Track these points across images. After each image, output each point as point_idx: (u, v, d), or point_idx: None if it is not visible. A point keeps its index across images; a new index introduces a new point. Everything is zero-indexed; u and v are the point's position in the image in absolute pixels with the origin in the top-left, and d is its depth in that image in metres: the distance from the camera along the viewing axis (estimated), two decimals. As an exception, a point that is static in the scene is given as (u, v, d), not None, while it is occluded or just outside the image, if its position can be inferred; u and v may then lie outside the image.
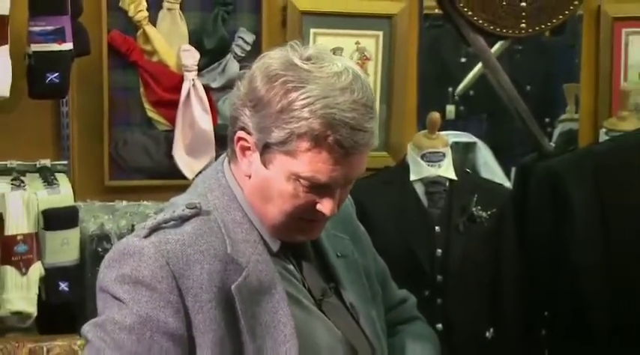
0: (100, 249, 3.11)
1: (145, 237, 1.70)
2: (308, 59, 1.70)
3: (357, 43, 3.41)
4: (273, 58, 1.72)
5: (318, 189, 1.71)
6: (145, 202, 3.22)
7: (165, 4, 3.29)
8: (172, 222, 1.73)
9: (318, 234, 1.83)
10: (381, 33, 3.49)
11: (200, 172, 1.93)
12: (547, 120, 4.01)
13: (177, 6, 3.30)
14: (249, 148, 1.75)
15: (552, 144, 3.84)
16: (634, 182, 1.92)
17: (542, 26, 3.61)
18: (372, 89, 1.75)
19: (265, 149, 1.71)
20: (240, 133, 1.75)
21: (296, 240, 1.83)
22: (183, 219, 1.74)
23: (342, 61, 1.73)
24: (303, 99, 1.65)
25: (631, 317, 1.94)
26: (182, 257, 1.68)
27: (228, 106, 3.11)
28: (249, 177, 1.77)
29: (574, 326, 2.39)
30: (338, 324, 1.83)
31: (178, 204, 1.78)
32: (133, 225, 3.11)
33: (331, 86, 1.66)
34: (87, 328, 1.69)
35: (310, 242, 1.88)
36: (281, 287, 1.75)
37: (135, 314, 1.65)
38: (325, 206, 1.73)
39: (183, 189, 1.90)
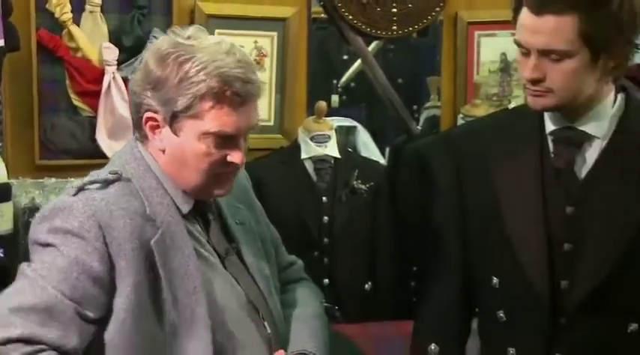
0: (31, 220, 2.90)
1: (74, 195, 1.68)
2: (189, 37, 1.72)
3: (256, 42, 3.43)
4: (159, 43, 1.74)
5: (226, 141, 1.72)
6: (71, 179, 3.11)
7: (88, 7, 3.22)
8: (97, 185, 1.71)
9: (232, 186, 1.82)
10: (275, 34, 3.47)
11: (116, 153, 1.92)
12: (415, 107, 4.03)
13: (98, 8, 3.23)
14: (158, 126, 1.74)
15: (419, 127, 3.85)
16: (482, 158, 1.95)
17: (410, 29, 3.61)
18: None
19: (174, 119, 1.70)
20: (148, 114, 1.73)
21: (215, 195, 1.82)
22: (107, 182, 1.72)
23: (217, 36, 1.80)
24: (197, 66, 1.67)
25: (483, 269, 1.97)
26: (107, 211, 1.66)
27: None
28: (164, 151, 1.75)
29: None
30: (239, 280, 1.83)
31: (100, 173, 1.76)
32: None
33: (216, 51, 1.69)
34: (21, 267, 1.67)
35: (214, 208, 1.87)
36: (190, 245, 1.74)
37: (64, 256, 1.63)
38: (235, 156, 1.74)
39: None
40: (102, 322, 1.65)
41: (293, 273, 2.11)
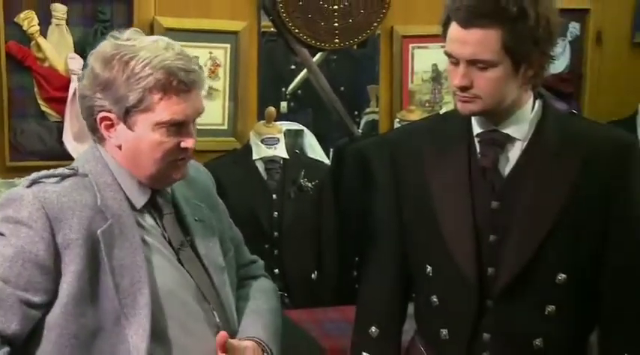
0: (2, 215, 2.97)
1: (27, 187, 1.66)
2: (129, 39, 1.71)
3: (210, 53, 3.40)
4: (102, 47, 1.71)
5: (177, 129, 1.70)
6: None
7: (54, 20, 3.20)
8: (53, 179, 1.68)
9: (187, 170, 1.80)
10: (228, 45, 3.45)
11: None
12: (356, 112, 4.07)
13: (64, 22, 3.21)
14: (112, 124, 1.71)
15: (360, 130, 3.88)
16: (416, 157, 1.96)
17: (351, 41, 3.62)
18: None
19: (127, 115, 1.68)
20: (101, 114, 1.70)
21: (173, 180, 1.79)
22: (63, 177, 1.70)
23: (153, 36, 1.78)
24: (142, 62, 1.65)
25: (418, 258, 1.98)
26: (57, 204, 1.63)
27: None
28: (120, 147, 1.72)
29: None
30: (191, 272, 1.79)
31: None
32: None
33: (156, 48, 1.68)
34: None
35: (172, 204, 1.84)
36: (138, 237, 1.71)
37: (12, 245, 1.61)
38: (188, 141, 1.72)
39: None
40: (49, 306, 1.63)
41: (252, 270, 2.08)
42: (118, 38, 1.72)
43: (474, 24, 1.74)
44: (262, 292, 2.02)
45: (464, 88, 1.80)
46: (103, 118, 1.71)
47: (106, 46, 1.71)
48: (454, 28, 1.78)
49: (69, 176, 1.71)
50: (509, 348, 1.89)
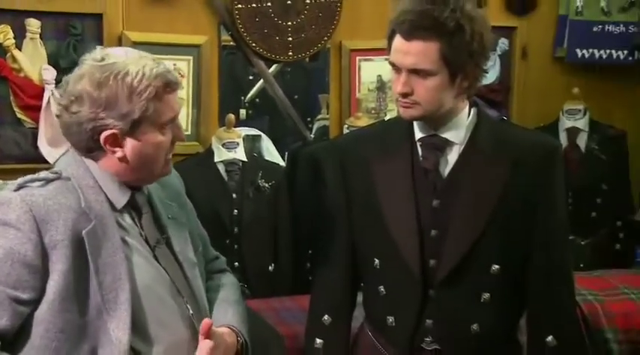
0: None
1: (14, 190, 1.61)
2: (103, 59, 1.65)
3: (175, 64, 3.33)
4: (86, 74, 1.64)
5: (172, 123, 1.70)
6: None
7: (28, 34, 3.16)
8: (38, 182, 1.64)
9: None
10: (191, 58, 3.42)
11: (60, 157, 1.84)
12: (308, 119, 4.02)
13: (38, 35, 3.17)
14: (117, 140, 1.66)
15: (312, 136, 3.85)
16: (364, 160, 1.96)
17: (303, 54, 3.60)
18: None
19: (134, 127, 1.64)
20: (106, 133, 1.64)
21: (165, 175, 1.79)
22: (47, 181, 1.65)
23: (119, 49, 1.79)
24: (135, 76, 1.62)
25: (366, 252, 1.98)
26: (43, 206, 1.59)
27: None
28: (124, 158, 1.68)
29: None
30: (166, 267, 1.76)
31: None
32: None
33: (136, 60, 1.66)
34: None
35: (149, 204, 1.81)
36: (118, 236, 1.67)
37: (1, 246, 1.56)
38: (179, 133, 1.74)
39: (45, 170, 1.75)
40: (37, 302, 1.59)
41: (217, 265, 2.06)
42: (93, 60, 1.66)
43: (415, 36, 1.75)
44: (229, 285, 1.99)
45: (405, 95, 1.80)
46: (110, 136, 1.65)
47: (91, 69, 1.64)
48: (398, 40, 1.79)
49: (53, 180, 1.66)
50: (450, 333, 1.90)
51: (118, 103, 1.62)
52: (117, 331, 1.61)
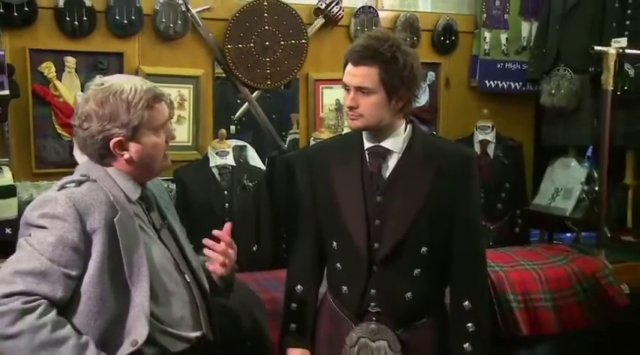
0: (29, 210, 2.83)
1: (58, 190, 1.58)
2: (102, 83, 1.63)
3: (179, 91, 3.33)
4: (90, 97, 1.62)
5: (164, 127, 1.67)
6: (56, 182, 2.98)
7: (66, 69, 3.16)
8: (73, 184, 1.60)
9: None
10: (192, 86, 3.38)
11: (78, 166, 1.80)
12: (283, 133, 4.05)
13: (73, 69, 3.16)
14: (123, 144, 1.63)
15: (286, 146, 3.83)
16: (326, 165, 1.92)
17: (279, 83, 3.58)
18: None
19: (134, 133, 1.61)
20: (115, 140, 1.62)
21: (167, 167, 1.75)
22: (80, 182, 1.61)
23: (113, 76, 1.70)
24: (129, 91, 1.60)
25: (327, 237, 1.94)
26: (82, 202, 1.56)
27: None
28: (130, 159, 1.65)
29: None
30: (169, 246, 1.74)
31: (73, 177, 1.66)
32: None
33: (129, 78, 1.64)
34: (20, 242, 1.56)
35: (153, 197, 1.78)
36: (136, 222, 1.64)
37: (53, 234, 1.53)
38: (171, 133, 1.71)
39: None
40: (81, 278, 1.56)
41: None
42: (95, 85, 1.64)
43: (361, 63, 1.76)
44: None
45: (352, 108, 1.80)
46: (117, 142, 1.63)
47: (94, 93, 1.62)
48: (349, 66, 1.80)
49: (84, 181, 1.62)
50: (389, 300, 1.88)
51: (119, 115, 1.60)
52: (140, 298, 1.59)
